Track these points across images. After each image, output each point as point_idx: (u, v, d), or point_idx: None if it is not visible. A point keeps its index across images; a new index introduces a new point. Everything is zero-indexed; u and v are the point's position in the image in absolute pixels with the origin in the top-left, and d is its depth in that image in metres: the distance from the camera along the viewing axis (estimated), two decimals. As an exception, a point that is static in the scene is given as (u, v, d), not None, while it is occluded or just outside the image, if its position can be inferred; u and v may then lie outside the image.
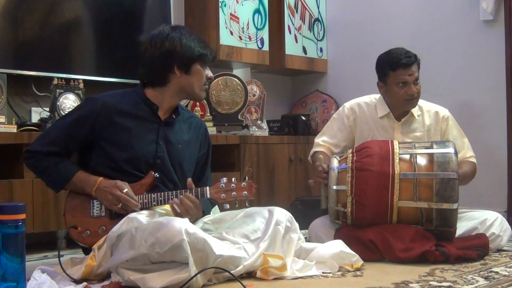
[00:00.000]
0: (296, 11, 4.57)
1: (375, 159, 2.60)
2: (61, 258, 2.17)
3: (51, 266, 2.20)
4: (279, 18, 4.48)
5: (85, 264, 2.13)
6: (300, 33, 4.58)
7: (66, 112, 2.76)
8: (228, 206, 2.31)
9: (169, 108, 2.43)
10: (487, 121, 3.83)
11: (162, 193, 2.30)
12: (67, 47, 3.51)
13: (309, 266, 2.25)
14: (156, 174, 2.32)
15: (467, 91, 3.94)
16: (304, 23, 4.62)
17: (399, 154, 2.62)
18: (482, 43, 3.86)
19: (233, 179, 2.32)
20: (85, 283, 2.04)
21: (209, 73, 2.44)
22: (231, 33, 4.10)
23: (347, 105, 3.05)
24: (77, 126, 2.31)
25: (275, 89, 4.78)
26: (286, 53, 4.47)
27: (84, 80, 3.35)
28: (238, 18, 4.15)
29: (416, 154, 2.63)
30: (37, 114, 3.43)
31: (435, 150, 2.61)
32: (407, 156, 2.64)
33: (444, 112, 2.99)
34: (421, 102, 2.99)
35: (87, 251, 2.29)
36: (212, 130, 3.72)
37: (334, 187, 2.65)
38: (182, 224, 1.98)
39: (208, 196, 2.30)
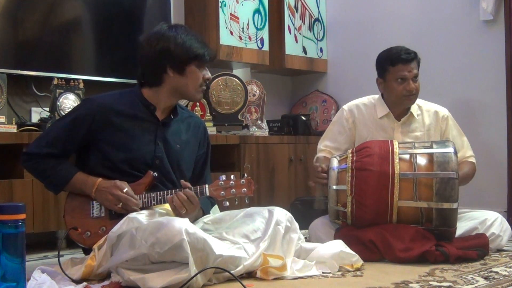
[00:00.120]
0: (296, 11, 4.57)
1: (375, 159, 2.60)
2: (61, 258, 2.17)
3: (51, 266, 2.20)
4: (279, 18, 4.48)
5: (85, 264, 2.13)
6: (300, 33, 4.58)
7: (65, 113, 2.76)
8: (227, 203, 2.31)
9: (166, 108, 2.42)
10: (487, 121, 3.83)
11: (161, 192, 2.29)
12: (67, 47, 3.51)
13: (309, 266, 2.25)
14: (155, 173, 2.31)
15: (467, 91, 3.94)
16: (304, 23, 4.62)
17: (399, 154, 2.62)
18: (482, 43, 3.86)
19: (232, 176, 2.32)
20: (85, 283, 2.04)
21: (206, 74, 2.40)
22: (231, 33, 4.10)
23: (346, 107, 3.05)
24: (74, 128, 2.31)
25: (275, 89, 4.78)
26: (286, 53, 4.47)
27: (84, 80, 3.35)
28: (238, 18, 4.15)
29: (416, 154, 2.63)
30: (37, 114, 3.43)
31: (435, 150, 2.61)
32: (407, 156, 2.64)
33: (443, 111, 3.00)
34: (420, 102, 2.99)
35: (87, 251, 2.29)
36: (212, 130, 3.72)
37: (334, 187, 2.65)
38: (182, 224, 1.98)
39: (208, 193, 2.30)
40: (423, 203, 2.53)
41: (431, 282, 2.10)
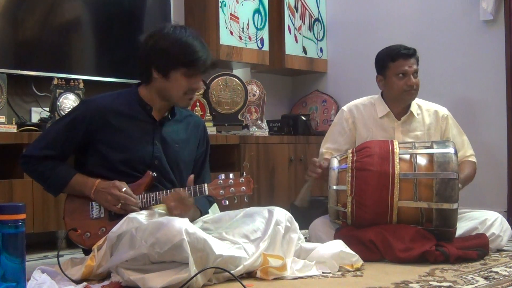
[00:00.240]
0: (296, 11, 4.57)
1: (375, 159, 2.60)
2: (61, 258, 2.17)
3: (51, 266, 2.20)
4: (279, 18, 4.48)
5: (85, 265, 2.13)
6: (300, 33, 4.58)
7: (64, 114, 2.75)
8: (227, 202, 2.31)
9: (162, 108, 2.41)
10: (487, 121, 3.83)
11: (161, 192, 2.29)
12: (67, 47, 3.51)
13: (309, 266, 2.25)
14: (154, 173, 2.31)
15: (467, 91, 3.94)
16: (304, 23, 4.62)
17: (399, 154, 2.62)
18: (482, 43, 3.86)
19: (231, 175, 2.32)
20: (85, 283, 2.04)
21: (195, 84, 2.31)
22: (231, 33, 4.10)
23: (345, 108, 3.05)
24: (72, 129, 2.31)
25: (275, 89, 4.78)
26: (286, 53, 4.47)
27: (84, 80, 3.35)
28: (238, 18, 4.15)
29: (416, 154, 2.63)
30: (37, 114, 3.43)
31: (435, 150, 2.61)
32: (407, 156, 2.64)
33: (443, 111, 3.00)
34: (420, 101, 3.00)
35: (87, 251, 2.29)
36: (212, 130, 3.71)
37: (334, 187, 2.65)
38: (182, 224, 1.98)
39: (207, 193, 2.30)
40: (423, 204, 2.53)
41: (431, 282, 2.10)
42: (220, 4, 4.03)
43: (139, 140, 2.34)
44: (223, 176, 2.31)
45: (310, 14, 4.67)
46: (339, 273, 2.27)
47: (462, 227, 2.69)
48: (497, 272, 2.27)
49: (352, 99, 3.10)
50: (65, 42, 3.49)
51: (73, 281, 2.08)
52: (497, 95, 3.77)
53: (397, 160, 2.59)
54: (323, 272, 2.25)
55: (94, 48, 3.66)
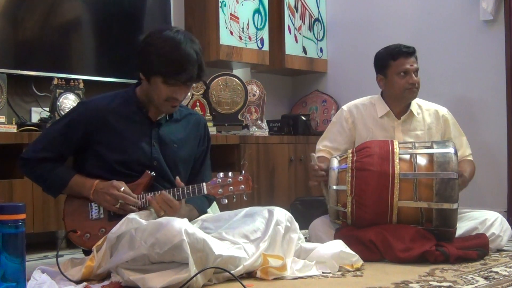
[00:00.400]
0: (296, 11, 4.57)
1: (375, 159, 2.60)
2: (60, 258, 2.17)
3: (51, 266, 2.19)
4: (279, 18, 4.48)
5: (85, 265, 2.13)
6: (300, 33, 4.59)
7: (62, 115, 2.75)
8: (226, 201, 2.31)
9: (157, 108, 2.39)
10: (487, 121, 3.83)
11: (160, 192, 2.28)
12: (67, 47, 3.51)
13: (309, 266, 2.25)
14: (153, 173, 2.31)
15: (467, 91, 3.94)
16: (304, 23, 4.62)
17: (399, 154, 2.62)
18: (482, 43, 3.86)
19: (229, 173, 2.31)
20: (85, 283, 2.04)
21: (175, 93, 2.25)
22: (231, 33, 4.10)
23: (345, 107, 3.05)
24: (69, 131, 2.30)
25: (275, 89, 4.78)
26: (286, 53, 4.48)
27: (84, 80, 3.35)
28: (238, 18, 4.15)
29: (416, 154, 2.63)
30: (37, 114, 3.43)
31: (435, 150, 2.61)
32: (407, 156, 2.64)
33: (443, 111, 3.01)
34: (420, 101, 3.00)
35: (87, 252, 2.29)
36: (212, 130, 3.71)
37: (334, 187, 2.65)
38: (181, 224, 1.98)
39: (205, 192, 2.29)
40: (423, 204, 2.53)
41: (431, 282, 2.10)
42: (220, 4, 4.03)
43: (137, 142, 2.33)
44: (221, 174, 2.31)
45: (310, 14, 4.67)
46: (339, 273, 2.27)
47: (462, 227, 2.69)
48: (497, 272, 2.27)
49: (352, 99, 3.10)
50: (65, 42, 3.49)
51: (73, 281, 2.08)
52: (497, 95, 3.78)
53: (397, 160, 2.59)
54: (323, 272, 2.25)
55: (94, 48, 3.66)
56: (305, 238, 2.71)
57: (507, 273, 2.25)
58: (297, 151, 4.14)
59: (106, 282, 2.07)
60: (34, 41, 3.37)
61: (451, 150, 2.59)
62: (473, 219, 2.76)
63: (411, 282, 2.10)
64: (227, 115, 4.12)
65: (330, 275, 2.24)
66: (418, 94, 2.93)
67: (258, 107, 4.32)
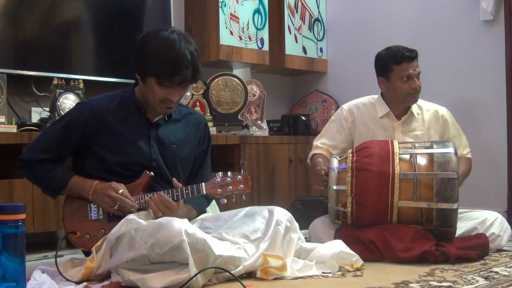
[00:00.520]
0: (296, 11, 4.57)
1: (375, 159, 2.60)
2: (60, 258, 2.17)
3: (51, 266, 2.19)
4: (279, 18, 4.48)
5: (85, 266, 2.13)
6: (300, 33, 4.59)
7: (60, 116, 2.74)
8: (225, 200, 2.31)
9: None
10: (487, 121, 3.83)
11: (159, 192, 2.28)
12: (67, 47, 3.51)
13: (309, 266, 2.25)
14: (151, 173, 2.30)
15: (467, 91, 3.94)
16: (304, 23, 4.62)
17: (399, 154, 2.62)
18: (482, 43, 3.86)
19: (228, 173, 2.31)
20: (85, 283, 2.04)
21: (169, 95, 2.23)
22: (231, 33, 4.10)
23: (345, 107, 3.05)
24: (68, 132, 2.30)
25: (275, 89, 4.78)
26: (286, 53, 4.48)
27: (84, 80, 3.36)
28: (238, 18, 4.15)
29: (416, 154, 2.63)
30: (37, 114, 3.43)
31: (435, 150, 2.61)
32: (407, 156, 2.64)
33: (442, 111, 3.01)
34: (420, 101, 3.00)
35: (87, 252, 2.29)
36: (212, 130, 3.71)
37: (334, 187, 2.65)
38: (181, 224, 1.98)
39: (204, 192, 2.29)
40: (423, 204, 2.53)
41: (431, 282, 2.10)
42: (220, 4, 4.03)
43: (135, 143, 2.32)
44: (220, 174, 2.30)
45: (310, 14, 4.67)
46: (339, 273, 2.27)
47: (462, 227, 2.69)
48: (497, 272, 2.27)
49: (352, 99, 3.10)
50: (65, 42, 3.49)
51: (72, 281, 2.08)
52: (497, 95, 3.78)
53: (397, 160, 2.59)
54: (323, 272, 2.25)
55: (94, 48, 3.66)
56: (305, 238, 2.71)
57: (507, 273, 2.25)
58: (297, 151, 4.14)
59: (106, 282, 2.07)
60: (34, 41, 3.37)
61: (451, 150, 2.59)
62: (473, 219, 2.76)
63: (411, 282, 2.10)
64: (227, 115, 4.12)
65: (330, 275, 2.24)
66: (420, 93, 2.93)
67: (258, 107, 4.32)
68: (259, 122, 4.18)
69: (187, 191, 2.28)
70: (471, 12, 3.89)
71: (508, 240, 2.78)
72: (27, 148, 2.37)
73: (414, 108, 2.96)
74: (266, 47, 4.32)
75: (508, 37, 3.72)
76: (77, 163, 2.38)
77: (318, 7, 4.73)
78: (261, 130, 4.09)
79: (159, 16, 3.91)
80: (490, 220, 2.73)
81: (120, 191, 2.23)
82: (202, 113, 3.87)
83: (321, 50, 4.74)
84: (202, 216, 2.45)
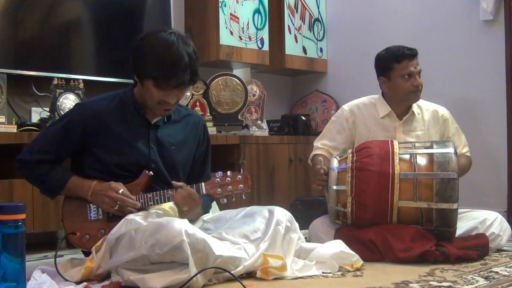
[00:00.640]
0: (296, 11, 4.57)
1: (375, 159, 2.60)
2: (60, 258, 2.17)
3: (51, 266, 2.19)
4: (279, 18, 4.48)
5: (85, 266, 2.13)
6: (300, 33, 4.58)
7: (58, 117, 2.74)
8: (225, 200, 2.31)
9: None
10: (487, 121, 3.83)
11: (158, 192, 2.28)
12: (67, 47, 3.51)
13: (309, 266, 2.25)
14: (151, 172, 2.30)
15: (467, 91, 3.94)
16: (304, 23, 4.62)
17: (399, 154, 2.62)
18: (482, 43, 3.86)
19: (228, 172, 2.31)
20: (85, 283, 2.04)
21: (167, 98, 2.22)
22: (231, 33, 4.10)
23: (346, 107, 3.05)
24: (66, 133, 2.29)
25: (275, 89, 4.78)
26: (286, 53, 4.48)
27: (84, 80, 3.35)
28: (238, 18, 4.15)
29: (416, 154, 2.63)
30: (37, 114, 3.43)
31: (435, 150, 2.61)
32: (407, 156, 2.64)
33: (442, 110, 3.01)
34: (420, 101, 3.00)
35: (86, 253, 2.29)
36: (212, 130, 3.71)
37: (334, 187, 2.65)
38: (181, 225, 1.98)
39: (204, 192, 2.29)
40: (423, 204, 2.53)
41: (431, 282, 2.10)
42: (220, 4, 4.03)
43: (134, 144, 2.31)
44: (220, 174, 2.30)
45: (310, 14, 4.67)
46: (339, 273, 2.27)
47: (462, 227, 2.69)
48: (497, 272, 2.27)
49: (352, 99, 3.10)
50: (65, 42, 3.49)
51: (72, 281, 2.08)
52: (497, 95, 3.78)
53: (397, 160, 2.59)
54: (323, 272, 2.25)
55: (94, 48, 3.66)
56: (305, 238, 2.71)
57: (507, 273, 2.25)
58: (297, 151, 4.14)
59: (106, 282, 2.07)
60: (34, 41, 3.37)
61: (451, 150, 2.59)
62: (472, 219, 2.76)
63: (411, 282, 2.10)
64: (227, 115, 4.12)
65: (330, 275, 2.24)
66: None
67: (258, 107, 4.32)
68: (259, 122, 4.18)
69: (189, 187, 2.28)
70: (471, 12, 3.89)
71: (508, 240, 2.78)
72: (25, 149, 2.36)
73: (415, 108, 2.96)
74: (266, 47, 4.32)
75: (508, 37, 3.72)
76: (76, 164, 2.37)
77: (318, 7, 4.73)
78: (261, 130, 4.09)
79: (159, 16, 3.91)
80: (490, 220, 2.73)
81: (120, 191, 2.23)
82: (202, 113, 3.87)
83: (321, 50, 4.74)
84: (203, 216, 2.45)
